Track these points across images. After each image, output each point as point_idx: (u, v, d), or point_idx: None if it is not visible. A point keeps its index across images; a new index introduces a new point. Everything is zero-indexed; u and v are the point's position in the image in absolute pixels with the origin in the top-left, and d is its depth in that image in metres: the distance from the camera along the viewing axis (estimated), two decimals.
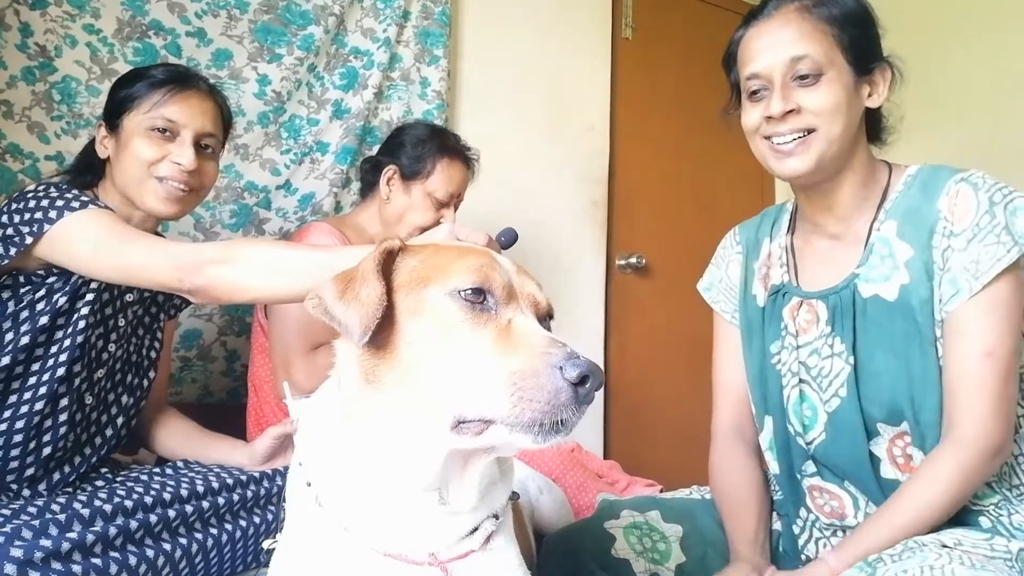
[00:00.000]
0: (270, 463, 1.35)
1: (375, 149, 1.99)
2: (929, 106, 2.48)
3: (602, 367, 2.60)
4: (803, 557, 1.15)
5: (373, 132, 2.16)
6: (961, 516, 1.02)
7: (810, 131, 1.05)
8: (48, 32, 1.71)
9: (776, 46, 1.06)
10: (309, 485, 0.81)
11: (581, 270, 2.62)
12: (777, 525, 1.23)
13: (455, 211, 1.83)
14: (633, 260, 2.72)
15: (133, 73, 1.36)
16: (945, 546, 0.95)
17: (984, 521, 1.02)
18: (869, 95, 1.09)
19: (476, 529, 0.80)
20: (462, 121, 2.33)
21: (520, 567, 0.83)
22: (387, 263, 0.78)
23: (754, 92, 1.10)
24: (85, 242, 1.14)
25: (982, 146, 2.51)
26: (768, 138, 1.09)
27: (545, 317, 0.80)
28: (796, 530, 1.18)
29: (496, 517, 0.82)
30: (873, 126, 1.14)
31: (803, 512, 1.17)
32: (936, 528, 0.99)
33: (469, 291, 0.73)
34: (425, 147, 1.78)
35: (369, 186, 1.84)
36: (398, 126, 1.96)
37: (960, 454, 0.98)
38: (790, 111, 1.05)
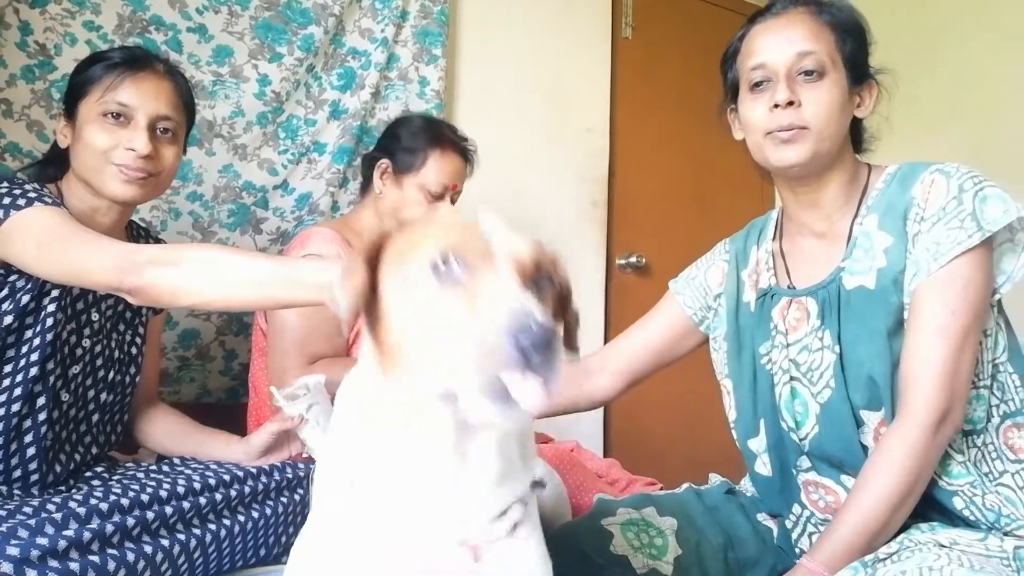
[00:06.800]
0: (266, 458, 1.34)
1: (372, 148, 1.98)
2: (920, 110, 2.48)
3: None
4: (797, 551, 1.16)
5: (370, 132, 2.15)
6: (935, 495, 1.03)
7: (804, 128, 1.08)
8: (48, 30, 1.71)
9: (784, 41, 1.10)
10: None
11: (581, 270, 2.61)
12: (771, 523, 1.24)
13: (453, 205, 1.80)
14: (633, 260, 2.72)
15: (91, 57, 1.32)
16: (942, 546, 0.95)
17: (958, 502, 1.02)
18: (858, 105, 1.14)
19: (504, 514, 0.77)
20: (461, 121, 2.32)
21: (544, 558, 0.81)
22: (380, 250, 0.77)
23: (757, 84, 1.12)
24: (29, 241, 1.11)
25: (973, 150, 2.51)
26: (768, 133, 1.11)
27: (541, 278, 0.74)
28: (789, 525, 1.19)
29: (524, 505, 0.80)
30: (855, 136, 1.18)
31: (796, 508, 1.17)
32: (909, 505, 0.99)
33: (436, 262, 0.69)
34: (418, 139, 1.74)
35: (368, 181, 1.81)
36: (395, 119, 1.93)
37: (906, 430, 0.98)
38: (791, 103, 1.08)
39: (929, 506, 1.03)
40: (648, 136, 2.84)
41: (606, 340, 2.66)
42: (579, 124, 2.65)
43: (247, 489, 1.25)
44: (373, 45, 2.14)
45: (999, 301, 1.08)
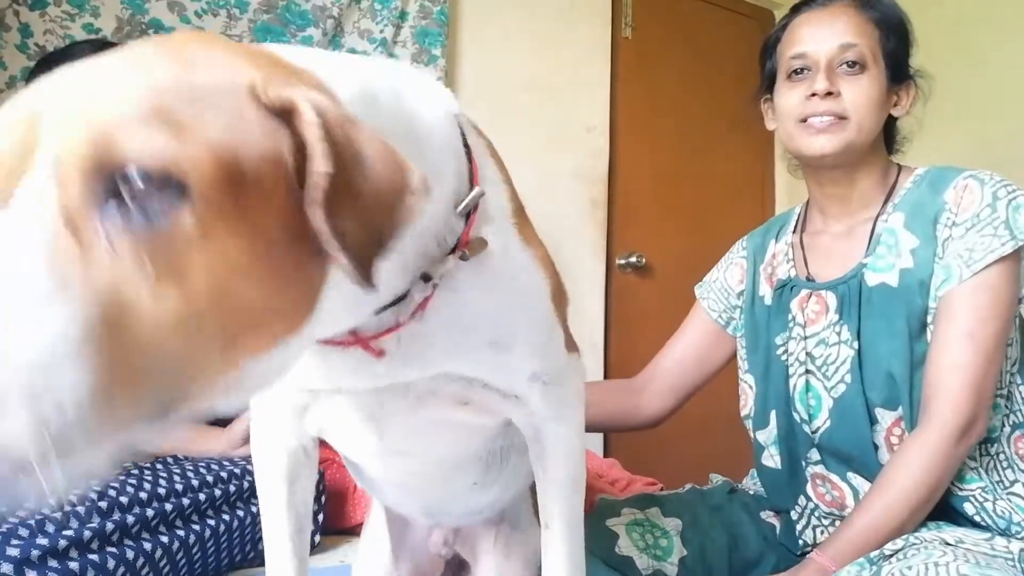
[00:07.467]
0: (247, 447, 1.32)
1: None
2: (940, 108, 2.46)
3: (602, 367, 2.61)
4: (800, 542, 1.16)
5: None
6: (948, 500, 1.02)
7: (843, 118, 1.08)
8: (48, 32, 1.72)
9: (827, 32, 1.10)
10: None
11: (581, 270, 2.61)
12: (774, 520, 1.23)
13: None
14: (633, 259, 2.72)
15: (67, 53, 1.31)
16: (948, 544, 0.94)
17: (969, 507, 1.02)
18: (895, 104, 1.14)
19: (402, 299, 0.58)
20: None
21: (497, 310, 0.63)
22: None
23: (796, 71, 1.13)
24: None
25: (993, 149, 2.49)
26: (803, 121, 1.11)
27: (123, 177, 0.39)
28: (794, 516, 1.18)
29: (426, 280, 0.58)
30: (888, 136, 1.18)
31: (802, 500, 1.17)
32: (924, 511, 0.99)
33: None
34: None
35: None
36: None
37: (929, 435, 0.98)
38: (830, 93, 1.08)
39: (940, 510, 1.02)
40: (648, 136, 2.83)
41: (606, 340, 2.66)
42: (579, 124, 2.65)
43: (245, 485, 1.25)
44: (372, 46, 2.14)
45: (1021, 312, 1.08)
